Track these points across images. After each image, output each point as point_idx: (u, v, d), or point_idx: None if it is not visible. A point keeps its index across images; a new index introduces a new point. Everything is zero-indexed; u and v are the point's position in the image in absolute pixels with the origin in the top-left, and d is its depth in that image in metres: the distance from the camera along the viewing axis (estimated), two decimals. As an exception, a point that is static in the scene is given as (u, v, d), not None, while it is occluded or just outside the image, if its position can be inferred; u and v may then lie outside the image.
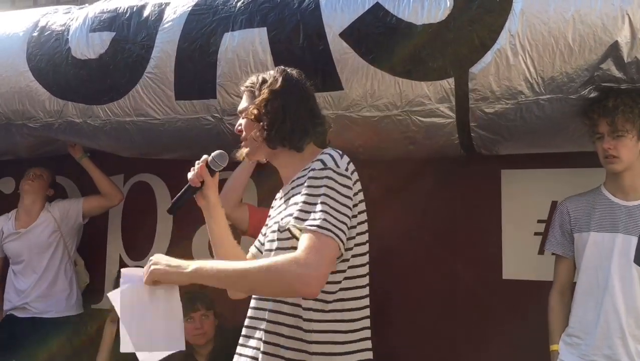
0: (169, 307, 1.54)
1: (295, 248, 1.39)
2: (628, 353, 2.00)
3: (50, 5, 3.21)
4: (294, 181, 1.53)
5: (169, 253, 3.13)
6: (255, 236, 1.78)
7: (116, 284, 3.01)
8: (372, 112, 2.20)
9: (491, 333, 2.62)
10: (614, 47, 1.91)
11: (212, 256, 1.74)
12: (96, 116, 2.60)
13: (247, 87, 1.63)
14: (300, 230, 1.39)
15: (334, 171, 1.42)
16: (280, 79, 1.58)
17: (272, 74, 1.61)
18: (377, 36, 2.11)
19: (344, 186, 1.43)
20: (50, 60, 2.61)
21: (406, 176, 2.76)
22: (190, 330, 2.77)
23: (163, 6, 2.49)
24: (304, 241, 1.36)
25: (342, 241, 1.38)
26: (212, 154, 1.65)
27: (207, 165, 1.64)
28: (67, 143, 3.01)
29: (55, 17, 2.71)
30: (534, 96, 2.03)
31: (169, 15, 2.45)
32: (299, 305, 1.46)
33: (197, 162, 1.63)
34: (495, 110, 2.09)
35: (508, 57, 1.99)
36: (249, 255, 1.72)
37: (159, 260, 1.52)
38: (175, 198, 1.67)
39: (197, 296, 2.83)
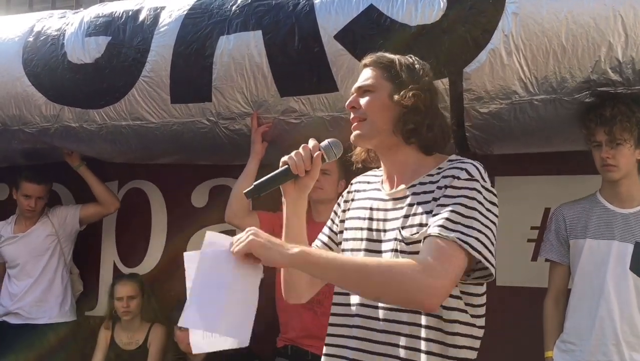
0: (249, 291, 1.29)
1: None
2: (622, 359, 1.99)
3: (46, 9, 3.23)
4: (414, 186, 1.37)
5: (163, 259, 3.21)
6: None
7: (112, 289, 3.04)
8: (368, 114, 2.20)
9: (485, 339, 2.60)
10: (608, 47, 1.92)
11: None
12: (92, 120, 2.60)
13: (379, 62, 1.43)
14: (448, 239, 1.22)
15: (482, 186, 1.30)
16: (429, 70, 1.45)
17: (411, 60, 1.44)
18: (371, 37, 2.12)
19: (493, 204, 1.31)
20: (46, 65, 2.62)
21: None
22: (184, 338, 2.77)
23: (158, 10, 2.50)
24: (436, 248, 1.22)
25: (490, 263, 1.26)
26: (329, 141, 1.40)
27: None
28: (64, 152, 3.00)
29: (51, 22, 2.72)
30: (528, 96, 2.04)
31: (164, 19, 2.46)
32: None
33: (303, 146, 1.37)
34: (490, 110, 2.10)
35: (502, 57, 2.00)
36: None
37: (259, 233, 1.26)
38: (263, 179, 1.37)
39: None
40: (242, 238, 1.26)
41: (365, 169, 1.57)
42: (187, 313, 1.25)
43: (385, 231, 1.38)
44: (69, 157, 3.05)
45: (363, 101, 1.41)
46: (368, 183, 1.51)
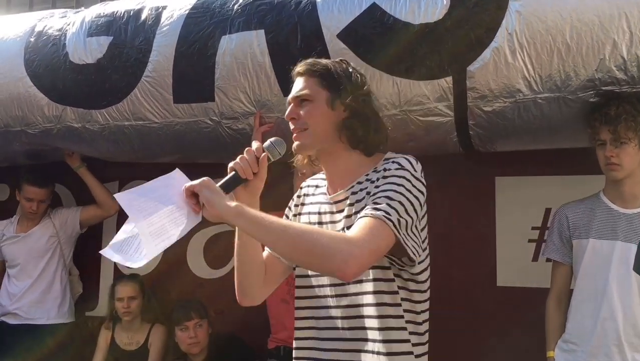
0: (178, 224, 1.31)
1: None
2: (624, 360, 1.98)
3: (46, 9, 3.21)
4: (352, 187, 1.42)
5: (163, 259, 3.20)
6: None
7: (113, 290, 3.03)
8: (371, 113, 2.20)
9: (486, 340, 2.61)
10: (612, 45, 1.92)
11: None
12: (95, 120, 2.60)
13: (314, 70, 1.43)
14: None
15: (411, 174, 1.35)
16: (364, 75, 1.46)
17: (345, 66, 1.45)
18: (374, 36, 2.12)
19: (420, 191, 1.36)
20: (48, 65, 2.61)
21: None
22: (184, 339, 2.77)
23: (160, 10, 2.49)
24: (361, 223, 1.27)
25: (399, 232, 1.29)
26: (271, 140, 1.40)
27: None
28: (65, 152, 2.99)
29: (52, 22, 2.71)
30: (532, 94, 2.04)
31: (166, 18, 2.45)
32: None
33: (247, 149, 1.37)
34: (494, 108, 2.09)
35: (506, 55, 2.00)
36: (265, 254, 1.57)
37: (211, 183, 1.30)
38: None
39: (190, 305, 2.82)
40: (195, 181, 1.29)
41: None
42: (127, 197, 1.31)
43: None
44: (69, 158, 3.04)
45: (302, 111, 1.42)
46: (317, 186, 1.54)
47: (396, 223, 1.28)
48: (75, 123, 2.63)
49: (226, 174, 1.37)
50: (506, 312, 2.60)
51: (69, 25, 2.64)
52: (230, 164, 1.37)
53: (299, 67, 1.46)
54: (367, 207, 1.30)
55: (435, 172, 2.68)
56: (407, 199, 1.32)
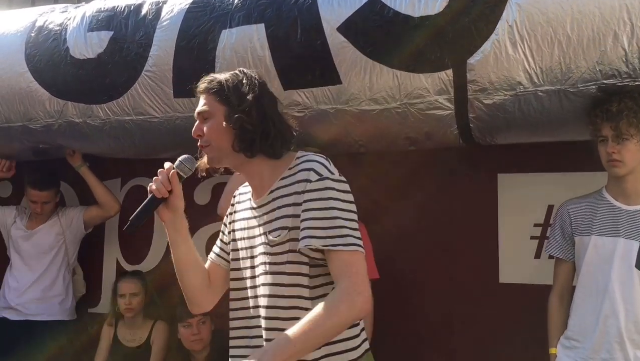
0: None
1: (290, 262, 1.42)
2: (626, 358, 1.97)
3: (48, 4, 3.22)
4: (273, 191, 1.48)
5: (166, 256, 3.19)
6: None
7: (116, 286, 3.02)
8: (371, 106, 2.19)
9: (488, 336, 2.60)
10: (613, 37, 1.90)
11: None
12: (96, 115, 2.60)
13: (210, 88, 1.51)
14: (323, 249, 1.37)
15: (332, 180, 1.41)
16: (256, 84, 1.52)
17: (240, 77, 1.52)
18: (374, 29, 2.11)
19: (346, 192, 1.43)
20: (49, 60, 2.61)
21: (402, 180, 2.76)
22: (187, 335, 2.77)
23: (160, 4, 2.49)
24: (340, 264, 1.36)
25: (363, 248, 1.41)
26: (180, 158, 1.50)
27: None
28: (66, 151, 2.99)
29: (53, 17, 2.72)
30: (533, 87, 2.03)
31: (166, 13, 2.45)
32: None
33: (160, 170, 1.48)
34: (494, 101, 2.08)
35: (506, 48, 1.99)
36: (208, 263, 1.66)
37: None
38: (135, 213, 1.46)
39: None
40: None
41: None
42: None
43: (256, 237, 1.51)
44: (70, 157, 3.04)
45: (205, 127, 1.50)
46: (245, 193, 1.61)
47: (358, 243, 1.38)
48: (76, 118, 2.64)
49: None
50: (508, 309, 2.59)
51: (69, 20, 2.64)
52: (148, 187, 1.47)
53: (199, 86, 1.55)
54: (320, 234, 1.37)
55: (437, 169, 2.73)
56: (345, 210, 1.40)
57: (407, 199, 2.77)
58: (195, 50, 2.37)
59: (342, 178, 1.44)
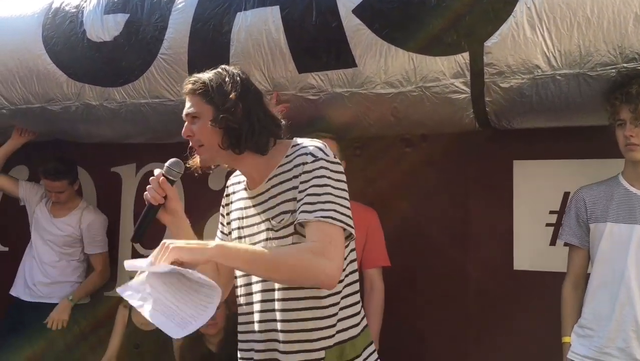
0: (192, 280, 1.38)
1: (295, 244, 1.44)
2: None
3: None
4: (270, 179, 1.52)
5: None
6: None
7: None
8: (386, 89, 2.18)
9: (501, 324, 2.58)
10: (634, 19, 1.87)
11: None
12: (112, 98, 2.62)
13: (195, 89, 1.53)
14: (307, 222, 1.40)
15: (327, 161, 1.45)
16: (239, 82, 1.53)
17: (223, 75, 1.54)
18: (390, 11, 2.09)
19: (340, 172, 1.47)
20: (66, 43, 2.63)
21: (417, 166, 2.74)
22: (201, 321, 2.77)
23: (176, -13, 2.50)
24: (318, 232, 1.38)
25: (351, 227, 1.42)
26: (167, 163, 1.54)
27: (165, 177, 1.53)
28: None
29: (69, -1, 2.74)
30: (551, 70, 2.00)
31: (182, -5, 2.45)
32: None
33: (151, 179, 1.53)
34: (511, 85, 2.05)
35: (524, 30, 1.96)
36: None
37: (174, 241, 1.39)
38: (137, 223, 1.55)
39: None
40: (160, 251, 1.35)
41: None
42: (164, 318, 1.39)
43: (256, 224, 1.53)
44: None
45: (194, 127, 1.52)
46: (239, 183, 1.64)
47: (345, 221, 1.41)
48: (93, 101, 2.65)
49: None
50: (522, 296, 2.58)
51: (85, 2, 2.65)
52: (144, 196, 1.52)
53: (185, 87, 1.56)
54: (309, 208, 1.40)
55: (452, 155, 2.71)
56: (337, 188, 1.44)
57: (421, 186, 2.76)
58: (210, 33, 2.37)
59: (337, 160, 1.48)
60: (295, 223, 1.43)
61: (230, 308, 2.86)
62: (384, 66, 2.14)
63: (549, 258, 2.53)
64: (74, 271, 3.20)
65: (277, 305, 1.50)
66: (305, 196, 1.41)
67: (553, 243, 2.56)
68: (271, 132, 1.55)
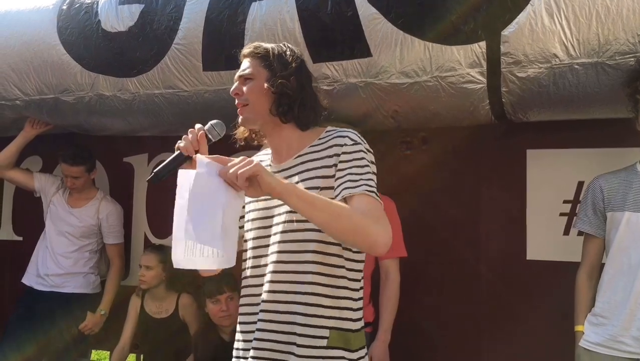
0: (236, 215, 1.40)
1: None
2: None
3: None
4: (300, 156, 1.56)
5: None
6: None
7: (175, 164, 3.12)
8: (401, 79, 2.17)
9: (515, 313, 2.58)
10: (655, 7, 1.85)
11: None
12: (126, 89, 2.62)
13: (256, 52, 1.62)
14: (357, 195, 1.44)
15: (365, 147, 1.53)
16: (298, 57, 1.62)
17: (284, 48, 1.63)
18: (406, 0, 2.08)
19: (373, 163, 1.54)
20: (81, 33, 2.63)
21: (430, 156, 2.74)
22: (216, 311, 2.80)
23: (191, -23, 2.49)
24: (367, 203, 1.43)
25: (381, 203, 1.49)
26: (211, 122, 1.56)
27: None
28: None
29: (84, -10, 2.74)
30: (569, 59, 1.98)
31: (197, -15, 2.45)
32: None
33: (190, 130, 1.53)
34: (528, 74, 2.04)
35: (542, 19, 1.94)
36: None
37: (261, 164, 1.37)
38: (160, 166, 1.50)
39: (222, 278, 2.83)
40: (243, 163, 1.34)
41: None
42: (181, 227, 1.33)
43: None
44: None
45: (245, 88, 1.59)
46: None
47: (379, 200, 1.47)
48: (107, 91, 2.66)
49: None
50: (536, 286, 2.58)
51: (101, -8, 2.66)
52: (177, 144, 1.52)
53: (245, 50, 1.65)
54: (353, 185, 1.46)
55: (466, 144, 2.70)
56: (374, 173, 1.52)
57: (434, 175, 2.76)
58: (224, 22, 2.36)
59: (371, 150, 1.55)
60: (336, 198, 1.46)
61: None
62: (400, 55, 2.13)
63: (563, 247, 2.53)
64: (87, 263, 3.22)
65: (292, 277, 1.51)
66: (347, 174, 1.47)
67: (567, 232, 2.56)
68: (316, 113, 1.61)
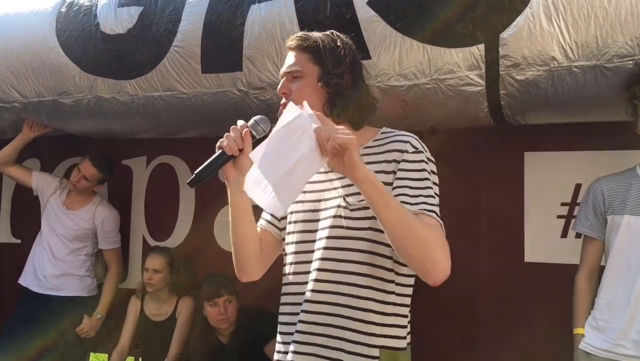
0: (310, 171, 1.30)
1: (372, 229, 1.37)
2: None
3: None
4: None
5: (192, 233, 3.24)
6: None
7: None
8: (400, 82, 2.17)
9: (512, 315, 2.58)
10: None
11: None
12: (125, 91, 2.62)
13: (304, 45, 1.45)
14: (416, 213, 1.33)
15: (427, 156, 1.42)
16: (350, 48, 1.47)
17: (335, 38, 1.47)
18: (405, 3, 2.09)
19: (436, 173, 1.44)
20: (79, 35, 2.63)
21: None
22: (214, 314, 2.80)
23: (190, -21, 2.49)
24: (433, 225, 1.32)
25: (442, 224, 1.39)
26: (255, 118, 1.44)
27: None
28: None
29: (83, -8, 2.74)
30: (567, 62, 1.98)
31: (196, -13, 2.45)
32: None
33: (232, 127, 1.41)
34: (526, 77, 2.04)
35: (541, 21, 1.95)
36: (259, 231, 1.58)
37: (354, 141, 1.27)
38: (201, 167, 1.39)
39: (220, 281, 2.84)
40: (341, 130, 1.25)
41: None
42: (259, 151, 1.25)
43: (326, 200, 1.44)
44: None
45: (294, 86, 1.44)
46: None
47: (439, 220, 1.36)
48: (105, 94, 2.66)
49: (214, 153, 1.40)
50: (533, 288, 2.57)
51: (99, -5, 2.66)
52: (218, 143, 1.40)
53: (291, 41, 1.48)
54: (411, 200, 1.35)
55: (463, 147, 2.70)
56: (436, 185, 1.42)
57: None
58: (223, 25, 2.36)
59: (433, 159, 1.44)
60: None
61: (241, 301, 2.88)
62: (398, 57, 2.13)
63: (561, 250, 2.53)
64: (82, 265, 3.22)
65: (340, 288, 1.39)
66: (405, 187, 1.36)
67: (564, 235, 2.56)
68: (370, 109, 1.49)
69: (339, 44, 1.46)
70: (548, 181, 2.61)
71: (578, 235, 2.23)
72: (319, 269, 1.42)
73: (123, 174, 3.41)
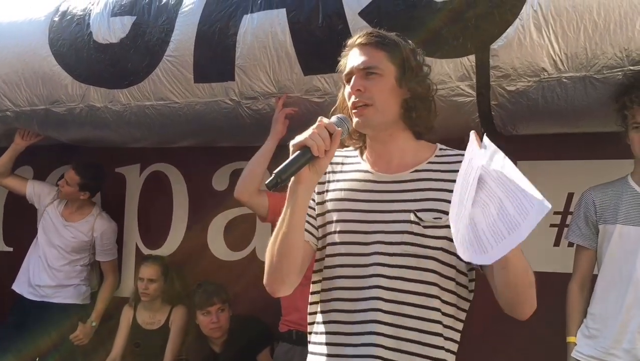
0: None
1: (444, 250, 1.29)
2: None
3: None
4: (419, 171, 1.35)
5: (185, 241, 3.23)
6: (274, 222, 1.53)
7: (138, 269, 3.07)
8: (392, 92, 2.18)
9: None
10: (642, 22, 1.87)
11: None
12: (117, 100, 2.62)
13: (383, 44, 1.34)
14: None
15: None
16: (423, 55, 1.40)
17: (410, 43, 1.39)
18: (397, 14, 2.10)
19: None
20: (72, 45, 2.64)
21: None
22: (206, 323, 2.80)
23: (183, -11, 2.50)
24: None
25: None
26: (339, 116, 1.31)
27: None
28: None
29: (76, 2, 2.74)
30: (557, 73, 2.00)
31: (188, -2, 2.46)
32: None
33: (319, 124, 1.23)
34: (517, 88, 2.06)
35: (531, 33, 1.96)
36: None
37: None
38: (281, 166, 1.22)
39: (213, 290, 2.84)
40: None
41: None
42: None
43: (382, 212, 1.33)
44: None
45: (369, 84, 1.32)
46: (343, 164, 1.43)
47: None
48: (97, 103, 2.66)
49: (287, 155, 1.24)
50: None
51: (92, 5, 2.66)
52: (295, 141, 1.23)
53: (364, 38, 1.36)
54: None
55: (455, 156, 2.71)
56: None
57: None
58: (216, 35, 2.37)
59: None
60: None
61: (233, 310, 2.88)
62: (390, 68, 2.14)
63: (553, 258, 2.53)
64: (78, 275, 3.21)
65: (408, 310, 1.31)
66: None
67: (557, 243, 2.56)
68: (433, 119, 1.39)
69: (416, 48, 1.38)
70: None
71: (571, 244, 2.24)
72: (381, 287, 1.30)
73: (116, 181, 3.41)
